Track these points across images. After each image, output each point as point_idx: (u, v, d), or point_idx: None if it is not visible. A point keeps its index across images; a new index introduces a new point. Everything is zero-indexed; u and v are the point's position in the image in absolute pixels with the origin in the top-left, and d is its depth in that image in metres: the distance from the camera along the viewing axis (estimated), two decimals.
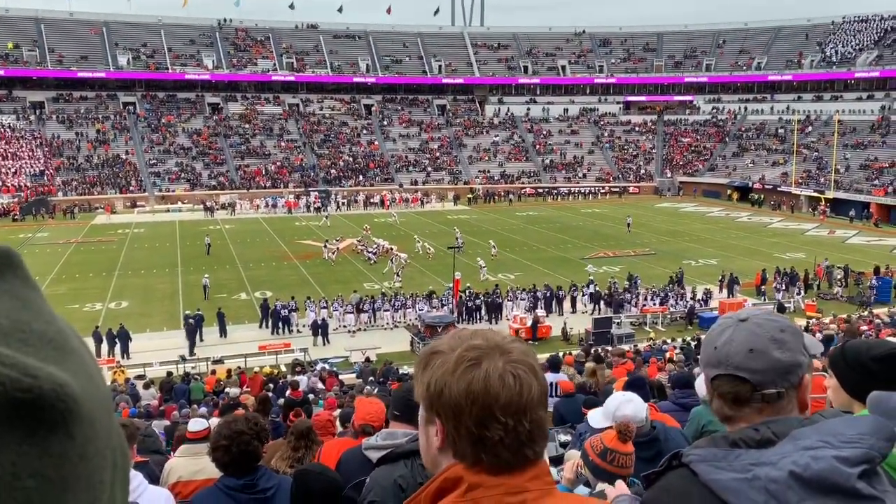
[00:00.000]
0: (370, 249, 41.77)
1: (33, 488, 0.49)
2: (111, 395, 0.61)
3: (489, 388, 1.23)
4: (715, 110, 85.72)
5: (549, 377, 9.77)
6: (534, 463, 1.27)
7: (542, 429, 1.27)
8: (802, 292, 33.37)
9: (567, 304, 32.32)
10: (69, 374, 0.52)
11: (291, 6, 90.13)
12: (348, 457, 3.71)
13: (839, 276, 35.02)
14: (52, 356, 0.54)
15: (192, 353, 26.52)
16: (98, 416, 0.54)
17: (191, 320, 27.54)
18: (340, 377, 21.47)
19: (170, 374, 22.02)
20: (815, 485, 1.24)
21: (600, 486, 4.16)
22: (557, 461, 6.34)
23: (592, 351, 17.69)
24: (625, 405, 4.37)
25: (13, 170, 63.36)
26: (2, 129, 67.70)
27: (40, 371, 0.50)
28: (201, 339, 27.72)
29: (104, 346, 26.20)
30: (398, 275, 36.16)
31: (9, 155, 64.80)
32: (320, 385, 19.01)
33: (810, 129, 76.15)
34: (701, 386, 4.53)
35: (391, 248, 41.65)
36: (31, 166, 64.44)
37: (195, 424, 5.82)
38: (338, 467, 3.61)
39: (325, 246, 42.35)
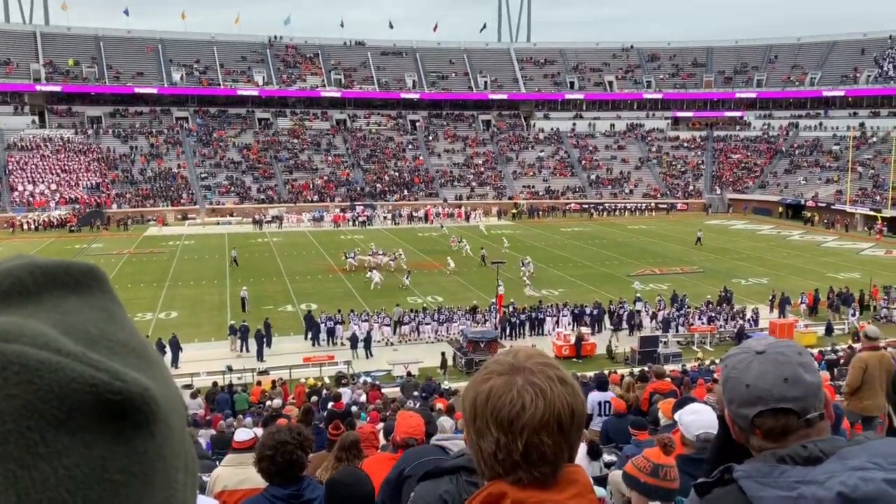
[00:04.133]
0: (351, 255, 42.64)
1: (120, 482, 0.54)
2: (184, 403, 0.66)
3: (489, 401, 1.24)
4: (766, 126, 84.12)
5: (597, 396, 9.62)
6: (575, 481, 1.26)
7: (543, 453, 1.22)
8: (858, 313, 32.35)
9: (607, 322, 31.89)
10: (149, 379, 0.57)
11: (342, 24, 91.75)
12: (416, 449, 3.70)
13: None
14: (135, 363, 0.59)
15: (261, 358, 27.31)
16: (174, 420, 0.59)
17: (260, 328, 28.21)
18: (383, 391, 21.53)
19: (215, 384, 22.36)
20: None
21: None
22: (601, 481, 6.23)
23: (638, 371, 17.43)
24: (700, 419, 4.32)
25: (71, 182, 65.50)
26: (61, 143, 70.15)
27: (128, 376, 0.55)
28: (247, 350, 28.14)
29: None
30: (529, 284, 37.23)
31: (67, 168, 67.04)
32: (363, 398, 19.08)
33: (867, 145, 74.13)
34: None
35: (381, 259, 41.90)
36: (88, 179, 66.54)
37: (241, 434, 5.88)
38: (404, 455, 3.62)
39: (347, 257, 42.73)
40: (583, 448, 4.48)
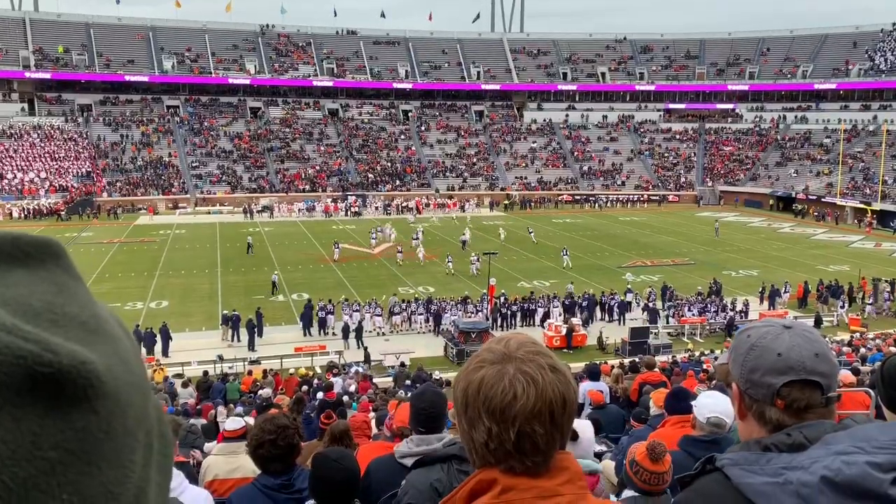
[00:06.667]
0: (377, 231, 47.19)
1: (55, 459, 0.51)
2: (148, 381, 0.61)
3: (481, 390, 1.24)
4: (758, 119, 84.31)
5: (589, 386, 9.64)
6: (566, 468, 1.27)
7: (535, 442, 1.22)
8: (847, 305, 32.55)
9: (598, 312, 32.09)
10: (97, 354, 0.54)
11: (335, 13, 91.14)
12: (379, 465, 3.67)
13: (887, 290, 34.09)
14: (81, 337, 0.55)
15: (252, 348, 27.33)
16: (129, 397, 0.56)
17: (251, 318, 28.15)
18: (374, 380, 21.54)
19: (206, 373, 22.33)
20: (847, 490, 1.22)
21: (626, 492, 4.17)
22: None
23: (628, 362, 17.52)
24: (714, 405, 4.38)
25: (61, 170, 65.06)
26: (51, 131, 69.61)
27: (61, 348, 0.52)
28: (238, 340, 28.11)
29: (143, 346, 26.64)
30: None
31: (57, 156, 66.56)
32: (353, 387, 19.09)
33: (857, 138, 74.44)
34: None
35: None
36: (78, 167, 66.10)
37: (232, 423, 5.88)
38: (367, 476, 3.58)
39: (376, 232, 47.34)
40: (590, 427, 4.55)
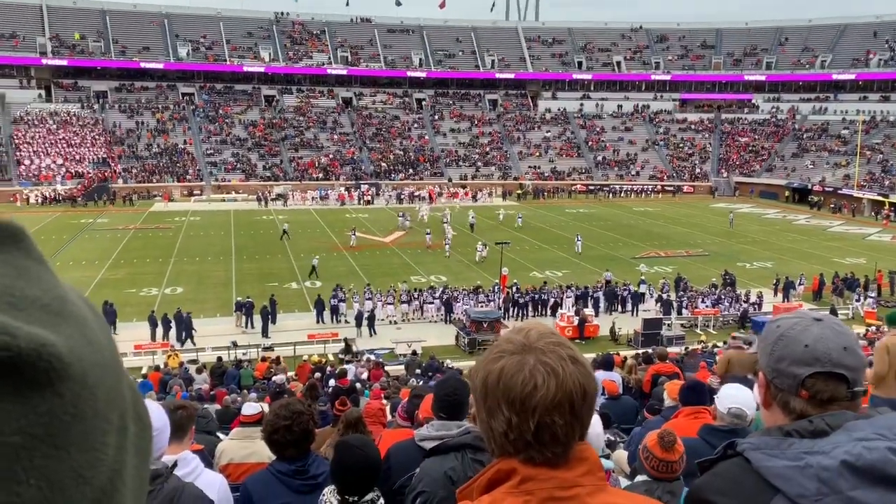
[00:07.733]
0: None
1: (18, 444, 0.49)
2: (119, 362, 0.60)
3: (501, 380, 1.24)
4: (774, 109, 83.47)
5: (602, 375, 9.64)
6: (585, 459, 1.27)
7: (554, 433, 1.22)
8: (863, 299, 32.25)
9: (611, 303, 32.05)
10: (62, 337, 0.53)
11: (347, 2, 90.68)
12: (399, 449, 3.73)
13: None
14: (44, 319, 0.54)
15: (266, 334, 27.47)
16: (98, 379, 0.54)
17: (265, 305, 28.27)
18: (386, 368, 21.65)
19: (220, 359, 22.51)
20: (867, 474, 1.24)
21: (639, 477, 4.22)
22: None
23: (642, 353, 17.49)
24: (735, 397, 4.40)
25: (77, 157, 65.51)
26: (67, 118, 70.05)
27: (19, 330, 0.50)
28: (252, 326, 28.28)
29: (159, 331, 26.88)
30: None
31: (73, 143, 67.01)
32: (365, 375, 19.20)
33: (875, 129, 73.56)
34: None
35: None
36: (94, 154, 66.52)
37: (248, 408, 5.94)
38: (387, 459, 3.64)
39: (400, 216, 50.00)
40: (598, 422, 4.57)
